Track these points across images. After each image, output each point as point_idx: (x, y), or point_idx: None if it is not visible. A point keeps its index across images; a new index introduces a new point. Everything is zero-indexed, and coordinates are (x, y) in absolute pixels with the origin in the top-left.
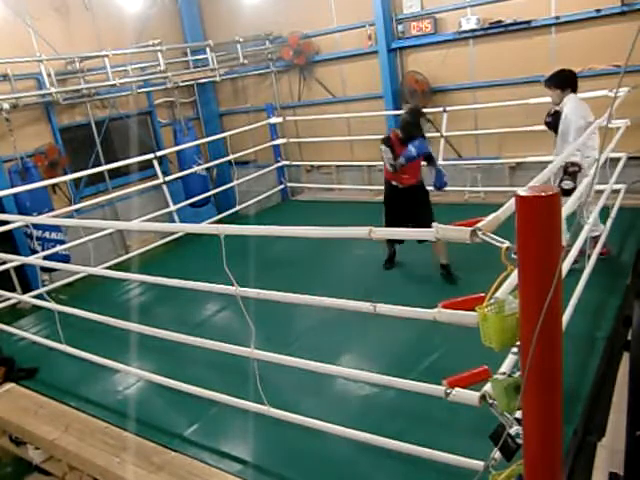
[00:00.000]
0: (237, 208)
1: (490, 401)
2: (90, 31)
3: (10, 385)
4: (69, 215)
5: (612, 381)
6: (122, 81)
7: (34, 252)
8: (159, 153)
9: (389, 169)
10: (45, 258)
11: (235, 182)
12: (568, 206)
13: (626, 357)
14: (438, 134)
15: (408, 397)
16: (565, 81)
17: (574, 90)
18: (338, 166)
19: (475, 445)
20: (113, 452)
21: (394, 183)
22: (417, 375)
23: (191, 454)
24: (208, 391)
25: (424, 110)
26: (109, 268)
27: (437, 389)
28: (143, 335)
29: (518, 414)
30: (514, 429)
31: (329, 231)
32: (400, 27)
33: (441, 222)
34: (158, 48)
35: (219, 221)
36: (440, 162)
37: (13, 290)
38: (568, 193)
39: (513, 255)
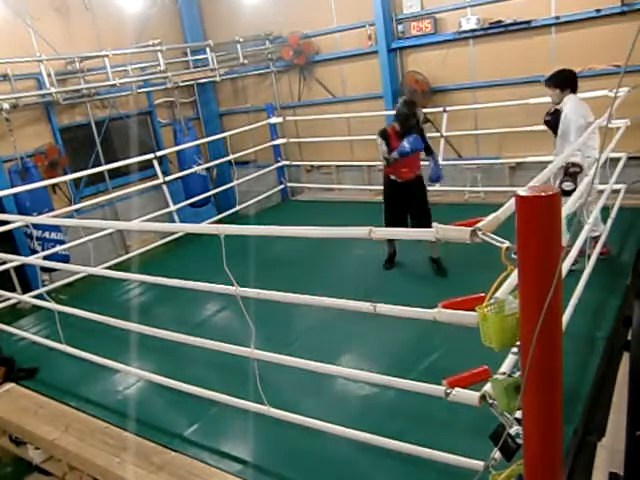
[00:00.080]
0: (237, 208)
1: (490, 401)
2: (90, 31)
3: (10, 385)
4: (69, 215)
5: (612, 381)
6: (122, 81)
7: (34, 252)
8: (159, 153)
9: (382, 162)
10: (45, 258)
11: (235, 182)
12: (568, 206)
13: (626, 357)
14: (438, 134)
15: (408, 397)
16: (565, 81)
17: (574, 90)
18: (338, 166)
19: (475, 445)
20: (113, 452)
21: (393, 177)
22: (417, 375)
23: (191, 454)
24: (208, 391)
25: (425, 110)
26: (109, 268)
27: (437, 389)
28: (143, 335)
29: (518, 414)
30: (514, 429)
31: (329, 231)
32: (400, 27)
33: (441, 222)
34: (158, 48)
35: (219, 221)
36: (440, 162)
37: (13, 290)
38: (569, 194)
39: (513, 255)
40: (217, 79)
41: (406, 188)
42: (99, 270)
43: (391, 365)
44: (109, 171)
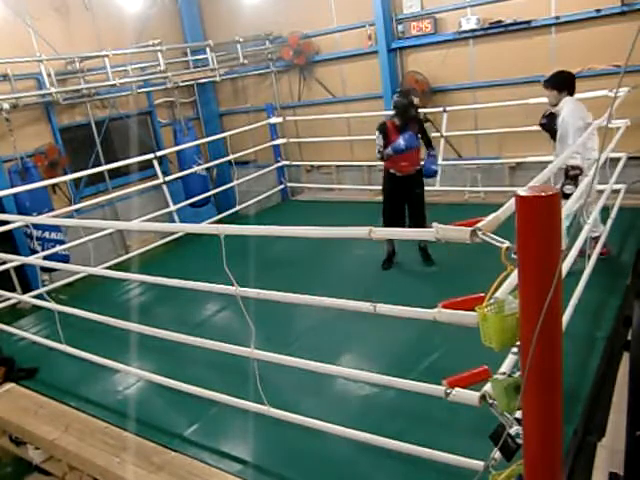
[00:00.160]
0: (237, 208)
1: (490, 401)
2: (90, 31)
3: (10, 385)
4: (69, 215)
5: (612, 381)
6: (122, 81)
7: (34, 252)
8: (159, 153)
9: (377, 156)
10: (45, 258)
11: (235, 182)
12: (568, 207)
13: (626, 357)
14: (438, 134)
15: (408, 397)
16: (563, 83)
17: (571, 92)
18: (338, 166)
19: (475, 445)
20: (113, 452)
21: (392, 171)
22: (417, 375)
23: (191, 454)
24: (208, 391)
25: (425, 110)
26: (109, 268)
27: (437, 389)
28: (143, 335)
29: (518, 414)
30: (514, 429)
31: (329, 231)
32: (400, 27)
33: (441, 222)
34: (158, 48)
35: (219, 221)
36: (440, 162)
37: (13, 290)
38: (570, 197)
39: (513, 255)
40: (217, 79)
41: (405, 182)
42: (99, 270)
43: (391, 365)
44: (109, 171)
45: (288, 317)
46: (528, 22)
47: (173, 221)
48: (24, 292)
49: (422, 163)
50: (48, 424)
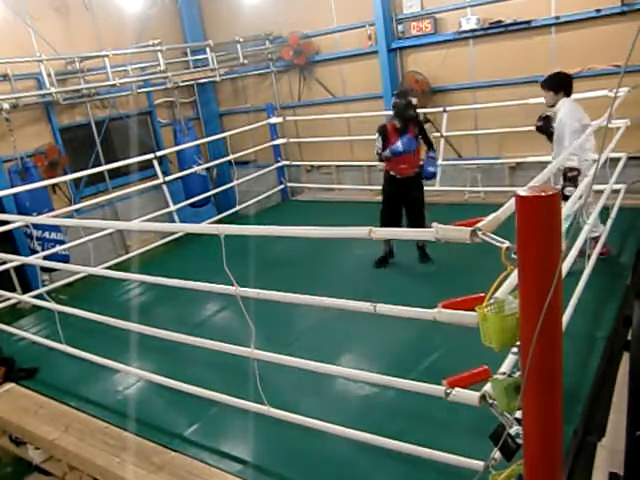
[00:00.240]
0: (237, 208)
1: (490, 401)
2: (90, 31)
3: (10, 385)
4: (69, 215)
5: (612, 381)
6: (122, 81)
7: (34, 252)
8: (159, 153)
9: (375, 157)
10: (45, 258)
11: (235, 182)
12: (567, 208)
13: (626, 357)
14: (438, 134)
15: (408, 397)
16: (559, 84)
17: (568, 94)
18: (338, 166)
19: (475, 445)
20: (113, 452)
21: (392, 173)
22: (417, 375)
23: (191, 454)
24: (208, 391)
25: (425, 110)
26: (109, 268)
27: (437, 389)
28: (143, 335)
29: (518, 414)
30: (514, 429)
31: (329, 231)
32: (400, 27)
33: (441, 222)
34: (158, 48)
35: (219, 221)
36: (440, 162)
37: (13, 290)
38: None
39: (513, 255)
40: (217, 79)
41: (405, 184)
42: (99, 270)
43: (391, 365)
44: (109, 171)
45: (288, 317)
46: (528, 22)
47: (173, 221)
48: (24, 292)
49: (421, 164)
50: (48, 424)
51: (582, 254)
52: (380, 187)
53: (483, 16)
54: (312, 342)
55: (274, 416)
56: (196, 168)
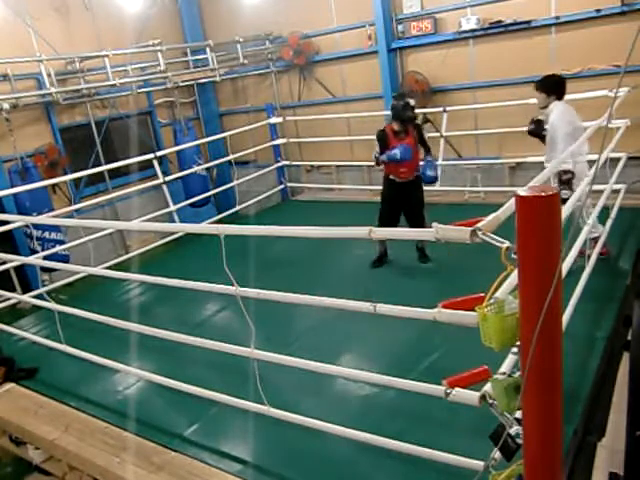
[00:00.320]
0: (237, 208)
1: (490, 401)
2: (90, 31)
3: (10, 385)
4: (69, 215)
5: (612, 381)
6: (122, 81)
7: (34, 252)
8: (159, 153)
9: (372, 160)
10: (45, 258)
11: (235, 182)
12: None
13: (626, 357)
14: (438, 134)
15: (408, 397)
16: (551, 86)
17: (560, 97)
18: (338, 166)
19: (475, 445)
20: (113, 452)
21: (392, 177)
22: (417, 375)
23: (191, 454)
24: (208, 391)
25: (425, 110)
26: (109, 268)
27: (437, 389)
28: (143, 335)
29: (518, 414)
30: (514, 429)
31: (329, 231)
32: (400, 27)
33: (441, 222)
34: (158, 48)
35: (219, 221)
36: (440, 162)
37: (13, 290)
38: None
39: (513, 255)
40: (217, 79)
41: (404, 188)
42: (99, 270)
43: (391, 365)
44: (109, 171)
45: (288, 317)
46: (528, 22)
47: (173, 221)
48: (24, 292)
49: (421, 165)
50: (48, 424)
51: (582, 254)
52: (380, 187)
53: (483, 16)
54: (312, 342)
55: (274, 416)
56: (196, 168)
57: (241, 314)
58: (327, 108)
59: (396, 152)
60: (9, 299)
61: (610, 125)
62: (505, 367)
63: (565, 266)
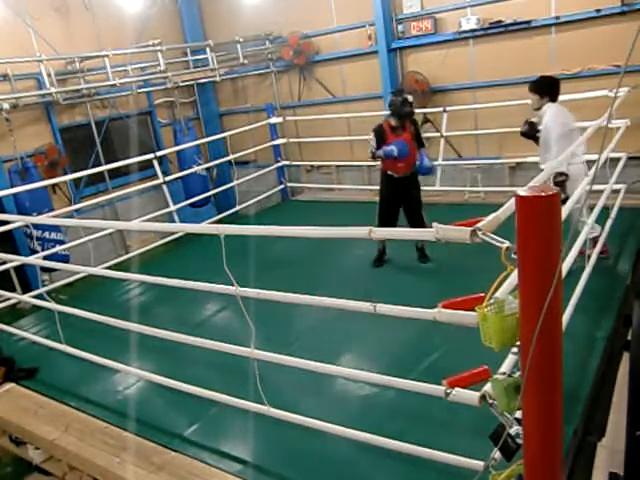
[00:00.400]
0: (237, 208)
1: (490, 401)
2: (90, 31)
3: (10, 385)
4: (69, 215)
5: (612, 381)
6: (122, 81)
7: (34, 252)
8: (159, 153)
9: (368, 155)
10: (45, 258)
11: (235, 182)
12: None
13: (626, 357)
14: (438, 134)
15: (408, 397)
16: (544, 88)
17: (553, 98)
18: (338, 166)
19: (475, 445)
20: (113, 452)
21: (390, 172)
22: (417, 375)
23: (191, 454)
24: (208, 391)
25: (425, 110)
26: (109, 268)
27: (437, 389)
28: (143, 335)
29: (518, 414)
30: (514, 429)
31: (329, 231)
32: (400, 27)
33: (441, 222)
34: (158, 48)
35: (219, 221)
36: (440, 162)
37: (13, 290)
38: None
39: (513, 255)
40: (217, 79)
41: (402, 183)
42: (99, 270)
43: (391, 365)
44: (109, 171)
45: (288, 317)
46: (528, 22)
47: (173, 221)
48: (24, 292)
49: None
50: (48, 424)
51: (582, 254)
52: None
53: (483, 16)
54: (312, 342)
55: (274, 416)
56: (196, 168)
57: (241, 314)
58: (327, 108)
59: (393, 148)
60: (9, 299)
61: (610, 125)
62: (505, 367)
63: (565, 266)
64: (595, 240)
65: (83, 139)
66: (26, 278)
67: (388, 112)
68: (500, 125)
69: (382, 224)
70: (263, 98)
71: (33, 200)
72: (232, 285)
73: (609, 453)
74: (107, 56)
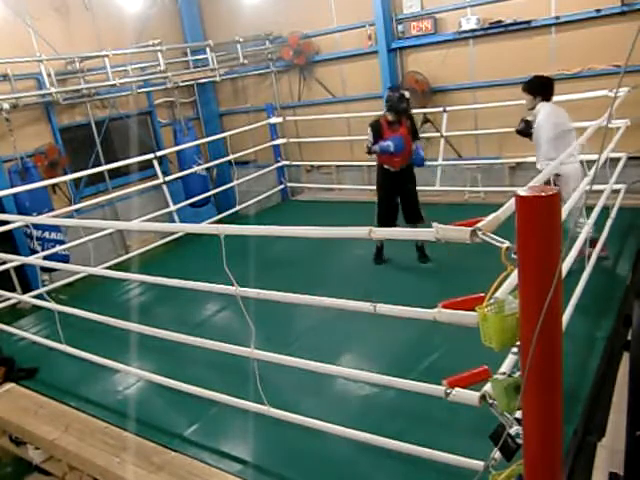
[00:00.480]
0: (237, 208)
1: (490, 401)
2: (90, 31)
3: (10, 385)
4: (69, 215)
5: (612, 381)
6: (122, 81)
7: (34, 252)
8: (159, 153)
9: (364, 150)
10: (45, 258)
11: (235, 182)
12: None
13: (626, 357)
14: (438, 134)
15: (408, 397)
16: (537, 88)
17: (546, 98)
18: (338, 166)
19: (475, 445)
20: (113, 452)
21: (386, 166)
22: (417, 375)
23: (191, 454)
24: (208, 391)
25: (425, 110)
26: (109, 268)
27: (437, 389)
28: (143, 335)
29: (518, 414)
30: (514, 429)
31: (329, 231)
32: (400, 27)
33: (441, 222)
34: (158, 48)
35: (219, 221)
36: (440, 162)
37: (13, 290)
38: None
39: (513, 255)
40: (217, 79)
41: (399, 176)
42: (99, 270)
43: (391, 365)
44: (109, 171)
45: (288, 317)
46: (528, 22)
47: (173, 221)
48: (24, 292)
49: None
50: (48, 424)
51: (582, 254)
52: None
53: (483, 16)
54: (312, 342)
55: (274, 416)
56: (196, 168)
57: (241, 314)
58: (327, 108)
59: (389, 144)
60: (9, 299)
61: (610, 125)
62: (505, 367)
63: (565, 266)
64: (593, 241)
65: (83, 139)
66: (26, 278)
67: (385, 102)
68: (500, 125)
69: (382, 220)
70: (263, 98)
71: (33, 200)
72: (232, 285)
73: (609, 453)
74: (107, 56)
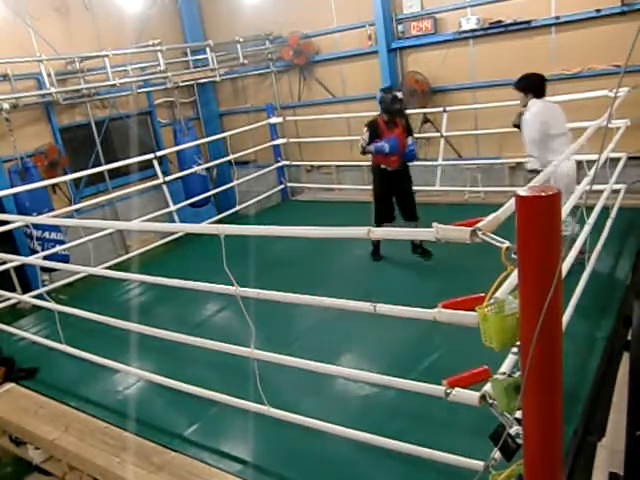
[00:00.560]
0: (237, 208)
1: (490, 401)
2: (90, 31)
3: (10, 385)
4: (69, 215)
5: (612, 381)
6: (122, 81)
7: (34, 252)
8: (159, 153)
9: (359, 149)
10: (45, 258)
11: (235, 182)
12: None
13: (626, 357)
14: (438, 134)
15: (408, 397)
16: (527, 85)
17: (538, 95)
18: (338, 166)
19: (475, 445)
20: (113, 452)
21: (383, 166)
22: (417, 375)
23: (191, 454)
24: (208, 391)
25: (425, 110)
26: (109, 268)
27: (437, 389)
28: (143, 335)
29: (518, 414)
30: (514, 429)
31: (329, 231)
32: (400, 27)
33: (441, 222)
34: (158, 48)
35: (219, 221)
36: (440, 162)
37: (13, 290)
38: None
39: (513, 255)
40: (217, 79)
41: (395, 175)
42: (99, 270)
43: (391, 365)
44: (109, 171)
45: (288, 317)
46: (528, 22)
47: (173, 221)
48: (24, 292)
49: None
50: (48, 424)
51: (582, 254)
52: None
53: (483, 16)
54: (312, 342)
55: (274, 416)
56: (196, 168)
57: (241, 314)
58: (327, 108)
59: (385, 145)
60: (9, 299)
61: (610, 125)
62: (505, 367)
63: (565, 266)
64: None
65: (83, 139)
66: (26, 278)
67: (379, 103)
68: (500, 125)
69: (379, 219)
70: (263, 98)
71: (33, 200)
72: (232, 285)
73: (609, 453)
74: (107, 56)
